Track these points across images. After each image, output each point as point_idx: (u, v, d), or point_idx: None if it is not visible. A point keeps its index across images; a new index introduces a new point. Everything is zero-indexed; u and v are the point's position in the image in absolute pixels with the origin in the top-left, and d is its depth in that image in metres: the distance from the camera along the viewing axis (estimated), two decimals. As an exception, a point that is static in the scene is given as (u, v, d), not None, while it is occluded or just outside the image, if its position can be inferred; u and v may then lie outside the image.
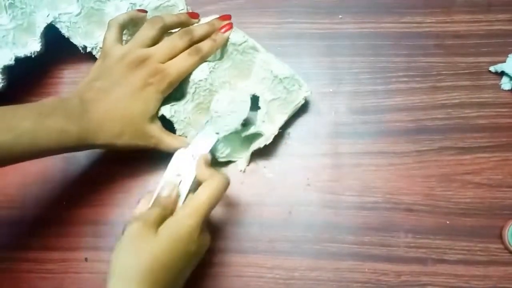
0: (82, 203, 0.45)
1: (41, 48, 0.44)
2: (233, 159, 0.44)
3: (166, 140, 0.40)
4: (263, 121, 0.41)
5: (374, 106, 0.45)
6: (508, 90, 0.44)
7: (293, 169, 0.44)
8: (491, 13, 0.46)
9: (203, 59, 0.41)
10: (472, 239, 0.41)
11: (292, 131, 0.45)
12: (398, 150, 0.44)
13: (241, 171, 0.44)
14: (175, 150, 0.39)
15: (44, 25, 0.43)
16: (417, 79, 0.45)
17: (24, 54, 0.43)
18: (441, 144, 0.44)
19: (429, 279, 0.41)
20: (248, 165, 0.44)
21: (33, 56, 0.44)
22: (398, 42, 0.46)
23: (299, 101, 0.42)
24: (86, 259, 0.43)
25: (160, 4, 0.44)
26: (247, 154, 0.43)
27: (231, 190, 0.43)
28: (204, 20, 0.44)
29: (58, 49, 0.46)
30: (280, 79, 0.41)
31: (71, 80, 0.48)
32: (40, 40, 0.44)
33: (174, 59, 0.40)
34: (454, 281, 0.41)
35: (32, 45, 0.44)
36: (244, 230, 0.43)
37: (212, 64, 0.42)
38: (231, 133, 0.40)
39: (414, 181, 0.43)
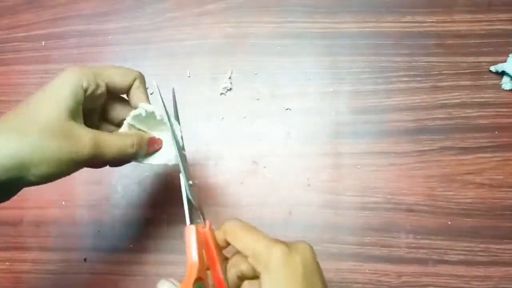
0: (81, 203, 0.45)
1: None
2: None
3: (107, 139, 0.29)
4: None
5: (375, 106, 0.45)
6: (509, 90, 0.44)
7: (293, 169, 0.44)
8: (491, 12, 0.46)
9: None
10: (473, 240, 0.41)
11: (292, 131, 0.45)
12: (399, 150, 0.44)
13: None
14: (124, 155, 0.30)
15: None
16: (418, 78, 0.45)
17: None
18: (442, 144, 0.43)
19: (430, 279, 0.41)
20: None
21: None
22: (399, 42, 0.46)
23: None
24: (85, 260, 0.43)
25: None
26: None
27: (231, 190, 0.43)
28: None
29: None
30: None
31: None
32: None
33: None
34: (455, 281, 0.40)
35: None
36: (244, 231, 0.43)
37: None
38: None
39: (415, 181, 0.43)
